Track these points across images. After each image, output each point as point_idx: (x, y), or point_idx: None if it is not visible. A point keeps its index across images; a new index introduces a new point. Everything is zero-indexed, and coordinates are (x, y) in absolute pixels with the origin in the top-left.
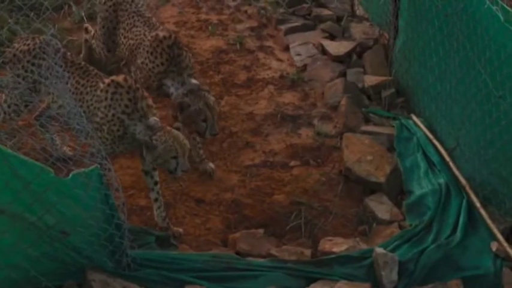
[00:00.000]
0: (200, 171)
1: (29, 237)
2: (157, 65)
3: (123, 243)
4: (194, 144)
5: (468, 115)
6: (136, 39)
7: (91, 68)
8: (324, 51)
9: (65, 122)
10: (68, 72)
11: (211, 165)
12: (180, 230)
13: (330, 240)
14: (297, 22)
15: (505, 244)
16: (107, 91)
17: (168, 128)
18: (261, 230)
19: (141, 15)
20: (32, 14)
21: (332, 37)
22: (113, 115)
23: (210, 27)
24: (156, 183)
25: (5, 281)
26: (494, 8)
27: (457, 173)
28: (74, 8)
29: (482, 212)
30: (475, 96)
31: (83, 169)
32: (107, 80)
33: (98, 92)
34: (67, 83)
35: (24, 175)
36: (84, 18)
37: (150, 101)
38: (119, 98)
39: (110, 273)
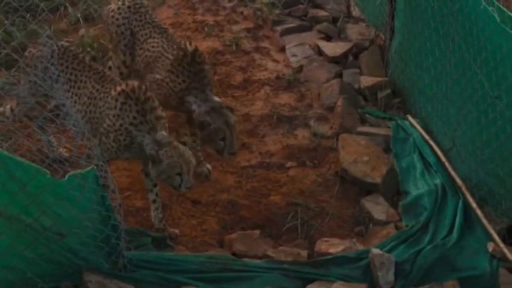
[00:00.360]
0: (197, 173)
1: (26, 239)
2: (179, 83)
3: (120, 244)
4: (194, 146)
5: (464, 116)
6: (154, 52)
7: (108, 73)
8: (320, 52)
9: (62, 124)
10: (86, 76)
11: (209, 166)
12: (176, 231)
13: (327, 241)
14: (293, 23)
15: (502, 245)
16: (116, 100)
17: (176, 143)
18: (257, 231)
19: (157, 26)
20: (28, 15)
21: (328, 38)
22: (121, 125)
23: (206, 29)
24: (155, 185)
25: (1, 283)
26: (490, 8)
27: (453, 173)
28: (69, 10)
29: (479, 212)
30: (471, 97)
31: (79, 170)
32: (118, 88)
33: (109, 99)
34: (83, 88)
35: (20, 177)
36: (80, 19)
37: (159, 112)
38: (128, 109)
39: (106, 275)
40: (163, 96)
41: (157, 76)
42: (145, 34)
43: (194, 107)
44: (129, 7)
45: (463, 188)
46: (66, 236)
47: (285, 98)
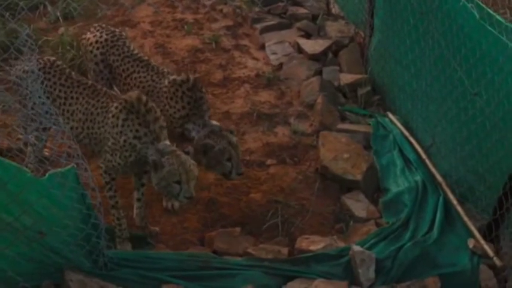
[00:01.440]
0: None
1: (6, 238)
2: (179, 110)
3: (100, 243)
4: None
5: (444, 112)
6: (144, 87)
7: (99, 87)
8: (299, 49)
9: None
10: (76, 92)
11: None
12: (157, 229)
13: (307, 238)
14: (273, 21)
15: (482, 241)
16: (117, 117)
17: (178, 152)
18: (237, 229)
19: (139, 59)
20: (8, 14)
21: (308, 35)
22: (125, 141)
23: (185, 27)
24: (143, 184)
25: None
26: (469, 5)
27: (433, 170)
28: (49, 8)
29: (459, 209)
30: (451, 94)
31: (59, 169)
32: (117, 105)
33: (110, 116)
34: (76, 104)
35: (0, 176)
36: (60, 18)
37: (162, 122)
38: (130, 124)
39: (87, 273)
40: (167, 127)
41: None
42: (127, 69)
43: (193, 133)
44: (106, 40)
45: (444, 185)
46: (47, 235)
47: (265, 96)
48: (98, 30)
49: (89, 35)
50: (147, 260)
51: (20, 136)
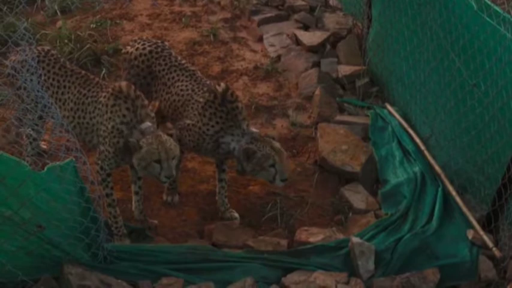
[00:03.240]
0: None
1: (5, 232)
2: (212, 126)
3: (99, 236)
4: (222, 193)
5: (442, 103)
6: (182, 95)
7: (92, 76)
8: (297, 41)
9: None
10: (69, 81)
11: (236, 214)
12: (155, 222)
13: (306, 230)
14: (271, 13)
15: (481, 232)
16: (106, 105)
17: (160, 132)
18: (237, 221)
19: (185, 69)
20: (5, 8)
21: (306, 27)
22: (113, 127)
23: (183, 19)
24: (139, 178)
25: None
26: None
27: (432, 161)
28: (47, 2)
29: (458, 200)
30: (449, 85)
31: (58, 162)
32: (106, 93)
33: (100, 106)
34: (68, 93)
35: None
36: (58, 12)
37: (149, 111)
38: (118, 109)
39: (86, 266)
40: (196, 141)
41: (188, 121)
42: (172, 78)
43: (233, 145)
44: (150, 52)
45: (442, 176)
46: (46, 228)
47: (263, 88)
48: (139, 43)
49: (129, 48)
50: (146, 253)
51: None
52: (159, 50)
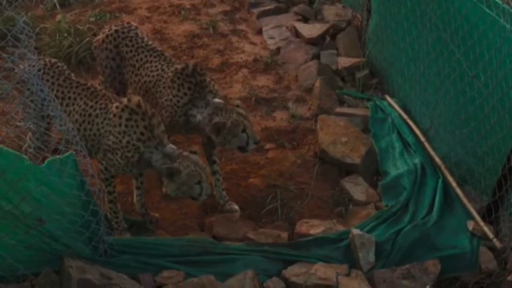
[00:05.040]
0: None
1: (6, 226)
2: (181, 97)
3: (100, 229)
4: (218, 185)
5: (442, 95)
6: (153, 76)
7: (98, 88)
8: (297, 33)
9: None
10: (74, 93)
11: (236, 207)
12: (156, 215)
13: (307, 222)
14: (270, 5)
15: (482, 223)
16: (120, 117)
17: (186, 153)
18: (237, 214)
19: (153, 50)
20: (5, 1)
21: (305, 19)
22: (128, 142)
23: (182, 12)
24: (141, 174)
25: None
26: None
27: (432, 153)
28: None
29: (458, 191)
30: (449, 76)
31: (58, 156)
32: (119, 104)
33: (110, 116)
34: (73, 105)
35: None
36: (57, 5)
37: (163, 127)
38: (134, 125)
39: (87, 260)
40: (170, 117)
41: (161, 99)
42: (141, 59)
43: (198, 117)
44: (116, 31)
45: (442, 167)
46: (46, 222)
47: (263, 80)
48: (106, 28)
49: (98, 36)
50: (147, 246)
51: (18, 123)
52: (125, 30)
